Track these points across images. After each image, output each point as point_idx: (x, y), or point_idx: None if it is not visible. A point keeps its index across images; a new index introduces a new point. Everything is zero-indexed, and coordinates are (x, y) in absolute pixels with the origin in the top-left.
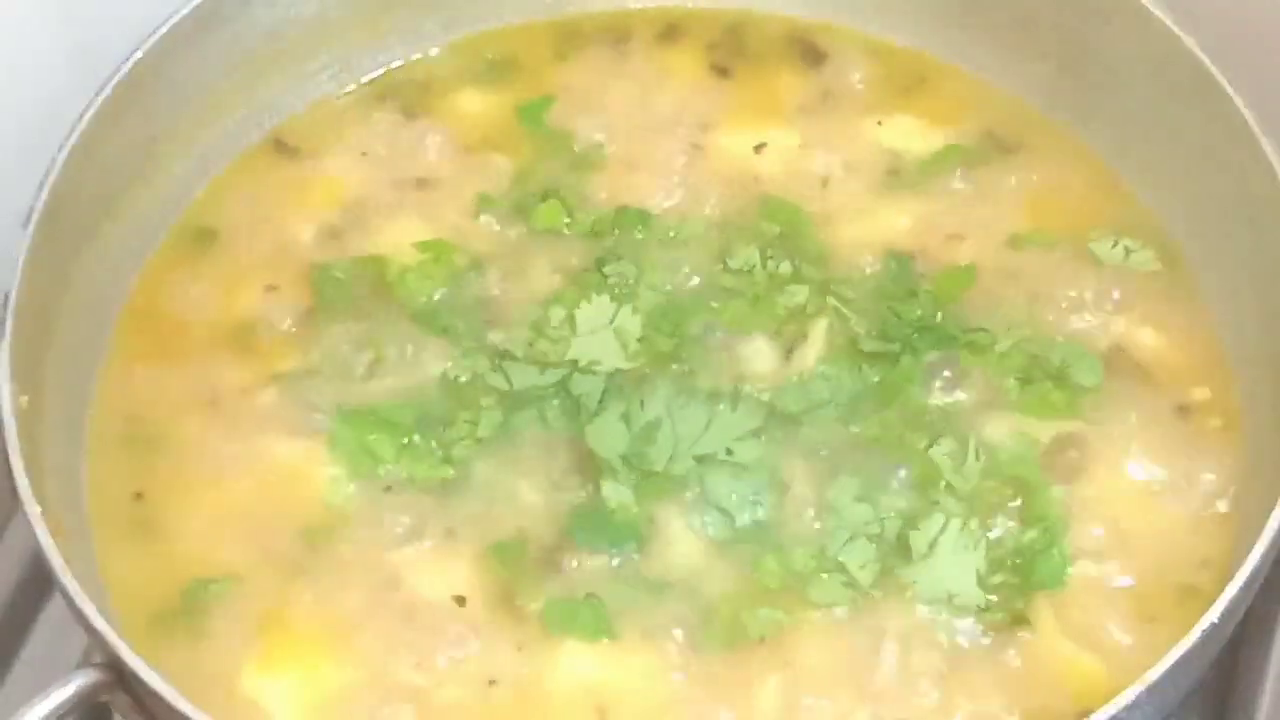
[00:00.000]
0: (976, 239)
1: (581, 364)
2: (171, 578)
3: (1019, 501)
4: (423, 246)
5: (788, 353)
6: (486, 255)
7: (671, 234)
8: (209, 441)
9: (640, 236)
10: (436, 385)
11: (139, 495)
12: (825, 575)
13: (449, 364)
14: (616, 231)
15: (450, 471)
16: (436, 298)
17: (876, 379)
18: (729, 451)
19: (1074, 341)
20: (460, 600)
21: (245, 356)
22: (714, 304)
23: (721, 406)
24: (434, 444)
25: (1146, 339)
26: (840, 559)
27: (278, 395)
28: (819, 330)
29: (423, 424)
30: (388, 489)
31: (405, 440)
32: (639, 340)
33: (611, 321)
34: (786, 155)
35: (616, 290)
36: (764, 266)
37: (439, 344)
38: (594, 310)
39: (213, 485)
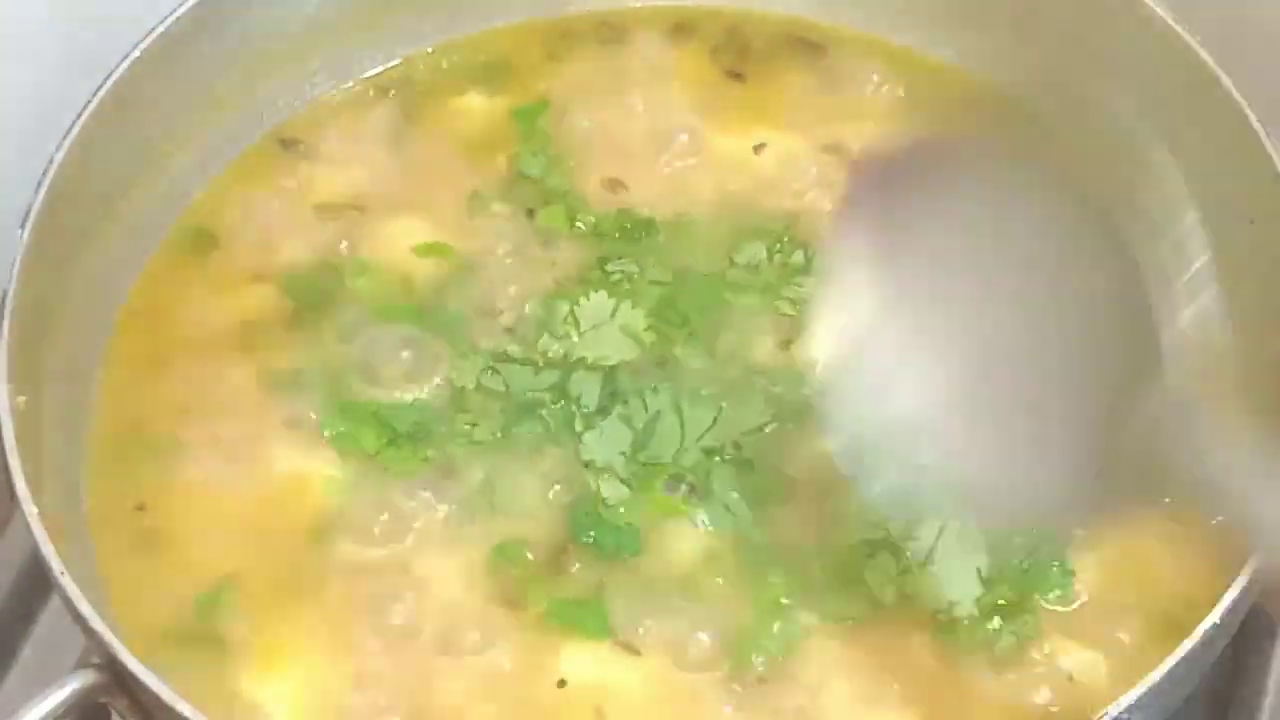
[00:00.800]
0: None
1: (584, 361)
2: (171, 580)
3: None
4: (421, 249)
5: (788, 344)
6: (485, 256)
7: (675, 233)
8: (208, 444)
9: (642, 237)
10: (435, 388)
11: (140, 498)
12: (841, 588)
13: (448, 366)
14: (618, 233)
15: (429, 454)
16: (434, 300)
17: None
18: (737, 446)
19: None
20: (462, 602)
21: (245, 358)
22: (716, 301)
23: (726, 404)
24: (421, 439)
25: None
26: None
27: (277, 397)
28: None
29: (419, 425)
30: (388, 490)
31: (391, 437)
32: (643, 334)
33: (612, 316)
34: (787, 155)
35: (617, 286)
36: (771, 260)
37: (436, 346)
38: (593, 306)
39: (212, 488)
